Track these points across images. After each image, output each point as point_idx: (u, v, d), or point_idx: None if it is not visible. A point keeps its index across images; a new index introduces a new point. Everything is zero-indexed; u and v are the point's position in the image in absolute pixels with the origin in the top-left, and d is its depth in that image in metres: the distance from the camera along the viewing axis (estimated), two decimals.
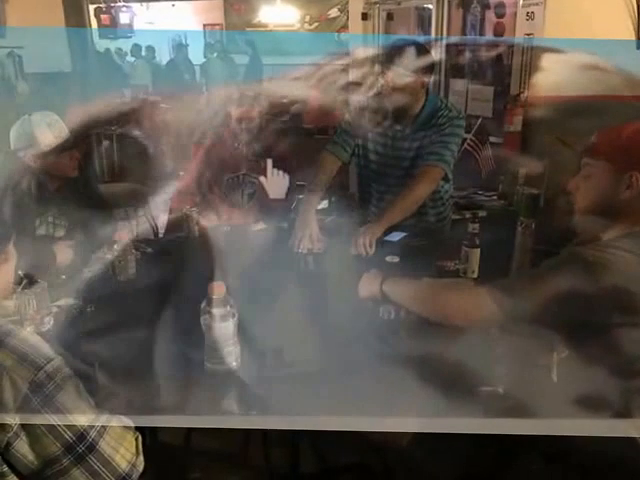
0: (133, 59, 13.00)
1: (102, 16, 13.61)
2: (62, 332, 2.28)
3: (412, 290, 2.23)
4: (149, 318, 2.24)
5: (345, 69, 4.53)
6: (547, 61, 4.88)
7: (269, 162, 3.55)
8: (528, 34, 4.96)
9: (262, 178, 3.56)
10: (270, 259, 2.91)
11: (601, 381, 1.74)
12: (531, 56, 5.05)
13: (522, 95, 5.22)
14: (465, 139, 5.10)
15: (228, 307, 2.01)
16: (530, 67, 5.13)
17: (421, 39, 6.61)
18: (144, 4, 14.94)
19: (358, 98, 3.50)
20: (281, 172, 3.56)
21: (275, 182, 3.55)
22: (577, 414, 1.76)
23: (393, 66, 3.07)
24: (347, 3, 8.47)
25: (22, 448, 1.45)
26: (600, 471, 1.80)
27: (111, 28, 13.87)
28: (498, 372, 1.97)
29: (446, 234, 3.44)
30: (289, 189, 3.63)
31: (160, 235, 3.95)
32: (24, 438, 1.45)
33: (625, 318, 1.72)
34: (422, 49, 3.19)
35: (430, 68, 3.19)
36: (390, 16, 7.06)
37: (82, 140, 3.21)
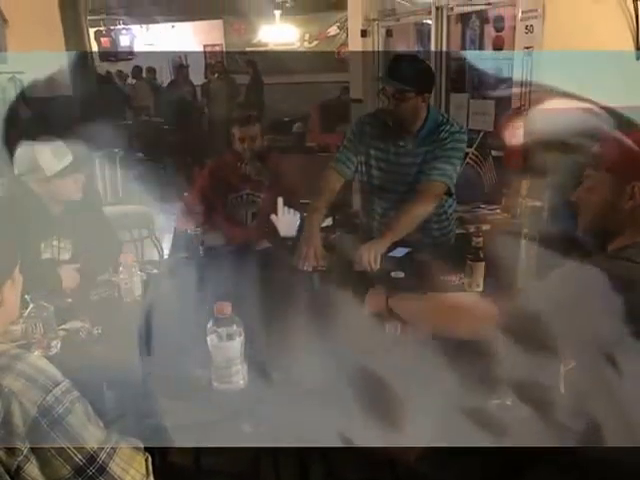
0: (134, 81, 13.07)
1: (102, 39, 13.78)
2: (69, 355, 2.29)
3: (418, 305, 2.23)
4: (155, 339, 2.25)
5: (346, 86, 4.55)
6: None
7: (280, 200, 3.52)
8: (527, 47, 4.97)
9: (273, 216, 3.52)
10: (274, 277, 2.91)
11: (609, 392, 1.73)
12: (531, 69, 5.05)
13: (523, 108, 5.22)
14: (467, 153, 5.10)
15: (234, 326, 2.01)
16: (531, 80, 5.13)
17: (421, 54, 6.63)
18: (144, 26, 15.11)
19: (360, 115, 3.51)
20: (292, 210, 3.53)
21: (286, 220, 3.53)
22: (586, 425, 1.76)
23: (394, 82, 3.08)
24: (346, 21, 8.51)
25: (32, 472, 1.45)
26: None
27: (111, 51, 14.02)
28: (506, 385, 1.97)
29: (450, 248, 3.45)
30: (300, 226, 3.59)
31: (165, 256, 3.97)
32: (34, 461, 1.45)
33: (632, 329, 1.71)
34: (422, 64, 3.21)
35: (431, 83, 3.20)
36: (389, 32, 7.07)
37: None
